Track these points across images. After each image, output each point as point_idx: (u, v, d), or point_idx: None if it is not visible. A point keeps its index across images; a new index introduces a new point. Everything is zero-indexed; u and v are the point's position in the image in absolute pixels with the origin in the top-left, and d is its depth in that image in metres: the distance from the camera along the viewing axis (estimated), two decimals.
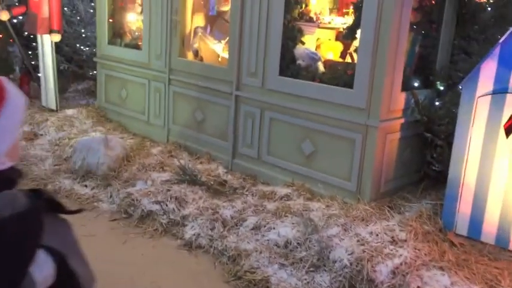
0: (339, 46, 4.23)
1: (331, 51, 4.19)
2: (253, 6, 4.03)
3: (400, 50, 3.39)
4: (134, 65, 5.35)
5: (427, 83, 3.79)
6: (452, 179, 3.23)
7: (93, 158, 4.26)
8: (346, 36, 3.62)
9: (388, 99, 3.44)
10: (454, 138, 3.23)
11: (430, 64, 3.80)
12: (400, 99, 3.55)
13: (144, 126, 5.33)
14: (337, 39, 4.30)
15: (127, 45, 5.58)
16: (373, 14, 3.29)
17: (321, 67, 3.91)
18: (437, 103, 3.71)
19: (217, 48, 4.95)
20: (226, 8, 4.86)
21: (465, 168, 3.16)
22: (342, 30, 4.01)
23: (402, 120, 3.61)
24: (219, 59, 4.91)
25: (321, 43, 4.21)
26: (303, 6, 3.92)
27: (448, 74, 3.74)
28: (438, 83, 3.72)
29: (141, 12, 5.29)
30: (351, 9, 4.00)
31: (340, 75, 3.65)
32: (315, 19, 3.96)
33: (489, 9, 3.59)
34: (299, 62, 3.91)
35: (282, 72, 3.96)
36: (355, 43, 3.68)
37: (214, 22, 5.03)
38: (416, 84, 3.72)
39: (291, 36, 3.90)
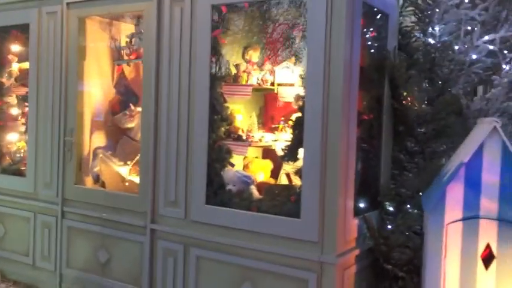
0: (269, 164, 3.74)
1: (262, 170, 3.67)
2: (170, 122, 3.44)
3: (350, 169, 2.96)
4: (15, 195, 4.36)
5: (374, 204, 3.37)
6: None
7: None
8: (286, 157, 3.12)
9: (343, 228, 2.92)
10: (425, 272, 2.76)
11: (375, 182, 3.42)
12: (353, 226, 3.06)
13: (28, 271, 4.25)
14: (264, 156, 3.82)
15: (5, 171, 4.59)
16: (317, 131, 2.86)
17: (255, 192, 3.35)
18: (389, 226, 3.27)
19: (123, 171, 4.20)
20: (131, 124, 4.21)
21: None
22: (271, 147, 3.54)
23: (357, 251, 3.09)
24: (126, 184, 4.14)
25: (249, 162, 3.68)
26: (229, 123, 3.41)
27: (395, 193, 3.37)
28: (387, 203, 3.32)
29: (26, 132, 4.41)
30: (281, 125, 3.59)
31: (281, 201, 3.10)
32: (245, 137, 3.45)
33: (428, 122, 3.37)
34: (229, 187, 3.31)
35: (210, 200, 3.31)
36: (298, 163, 3.19)
37: (118, 141, 4.32)
38: (362, 206, 3.28)
39: (219, 157, 3.32)
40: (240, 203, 3.24)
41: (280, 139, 3.49)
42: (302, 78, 2.96)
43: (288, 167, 3.67)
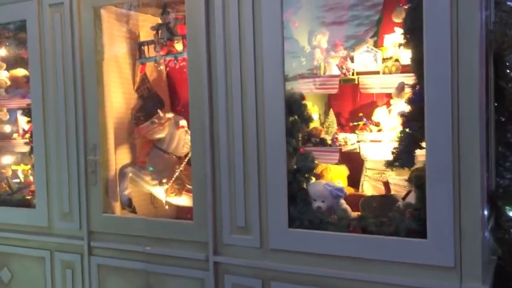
0: (345, 171, 3.11)
1: (340, 179, 3.04)
2: (232, 129, 2.75)
3: (484, 171, 2.37)
4: (22, 231, 3.57)
5: (490, 209, 2.80)
6: None
7: None
8: (398, 162, 2.47)
9: (484, 247, 2.34)
10: None
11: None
12: (485, 241, 2.48)
13: None
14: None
15: (4, 202, 3.76)
16: (445, 127, 2.24)
17: (347, 207, 2.71)
18: None
19: (159, 192, 3.47)
20: (161, 134, 3.50)
21: None
22: (355, 150, 2.91)
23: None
24: (166, 207, 3.43)
25: (323, 169, 3.03)
26: (309, 124, 2.76)
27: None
28: (508, 207, 2.76)
29: (31, 153, 3.60)
30: (362, 122, 2.96)
31: (392, 218, 2.47)
32: (330, 141, 2.80)
33: None
34: (318, 203, 2.66)
35: (294, 222, 2.65)
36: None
37: (147, 155, 3.59)
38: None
39: (303, 167, 2.67)
40: (334, 222, 2.61)
41: (365, 140, 2.87)
42: (413, 60, 2.35)
43: (370, 172, 3.06)
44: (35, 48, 3.45)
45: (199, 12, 2.83)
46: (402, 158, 2.44)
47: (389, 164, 2.49)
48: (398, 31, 2.79)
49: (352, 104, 3.23)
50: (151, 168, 3.47)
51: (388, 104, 2.94)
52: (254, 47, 2.68)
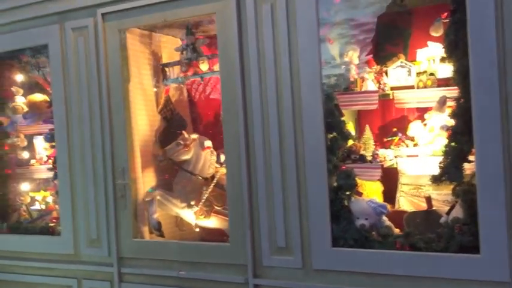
0: (379, 187, 3.07)
1: (375, 195, 3.00)
2: (269, 147, 2.71)
3: None
4: (47, 260, 3.47)
5: None
6: None
7: None
8: (446, 177, 2.42)
9: None
10: None
11: None
12: None
13: None
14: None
15: (27, 230, 3.66)
16: (495, 140, 2.22)
17: (390, 224, 2.66)
18: None
19: (188, 215, 3.41)
20: (187, 155, 3.44)
21: None
22: (393, 166, 2.88)
23: None
24: (196, 230, 3.36)
25: (359, 186, 2.99)
26: (347, 140, 2.73)
27: None
28: None
29: (55, 179, 3.53)
30: (397, 137, 2.93)
31: (444, 234, 2.42)
32: (370, 157, 2.77)
33: None
34: (361, 221, 2.61)
35: (338, 242, 2.60)
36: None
37: (173, 177, 3.52)
38: None
39: (345, 185, 2.63)
40: (379, 240, 2.56)
41: (402, 155, 2.84)
42: (456, 73, 2.34)
43: (405, 188, 3.03)
44: (58, 73, 3.40)
45: (231, 29, 2.81)
46: (450, 172, 2.40)
47: (436, 179, 2.46)
48: (433, 45, 2.79)
49: (381, 119, 3.21)
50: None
51: (422, 118, 2.92)
52: (290, 64, 2.66)
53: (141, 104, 3.44)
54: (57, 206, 3.65)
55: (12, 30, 3.56)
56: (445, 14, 2.57)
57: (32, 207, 4.02)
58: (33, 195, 4.02)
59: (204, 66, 3.36)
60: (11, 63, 3.92)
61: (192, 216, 3.37)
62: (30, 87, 4.10)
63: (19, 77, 4.05)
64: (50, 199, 3.88)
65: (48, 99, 3.75)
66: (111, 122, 3.23)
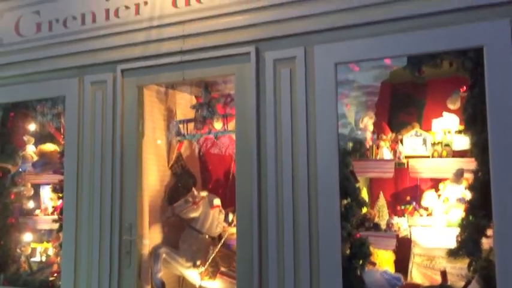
0: (392, 256, 3.00)
1: (387, 264, 2.93)
2: (282, 211, 2.67)
3: None
4: None
5: None
6: None
7: None
8: (463, 251, 2.36)
9: None
10: None
11: None
12: None
13: None
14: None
15: (25, 284, 3.55)
16: None
17: None
18: None
19: (193, 276, 3.31)
20: (195, 213, 3.40)
21: None
22: (407, 236, 2.83)
23: None
24: None
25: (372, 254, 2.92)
26: (362, 208, 2.69)
27: None
28: None
29: (59, 231, 3.46)
30: (410, 206, 2.90)
31: None
32: (385, 226, 2.72)
33: None
34: None
35: None
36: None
37: (180, 235, 3.46)
38: None
39: (358, 254, 2.57)
40: None
41: (415, 224, 2.80)
42: (474, 146, 2.34)
43: (418, 259, 2.96)
44: (73, 124, 3.42)
45: (249, 90, 2.84)
46: (467, 246, 2.35)
47: (453, 253, 2.40)
48: (448, 116, 2.81)
49: (394, 186, 3.19)
50: None
51: (436, 188, 2.91)
52: (307, 129, 2.67)
53: (153, 160, 3.43)
54: (58, 259, 3.56)
55: (30, 80, 3.61)
56: (463, 87, 2.61)
57: (32, 259, 3.92)
58: (35, 246, 3.92)
59: (218, 125, 3.38)
60: (25, 112, 3.93)
61: (197, 276, 3.29)
62: (42, 137, 4.10)
63: (32, 126, 4.06)
64: (51, 251, 3.79)
65: (59, 150, 3.74)
66: (122, 177, 3.20)
